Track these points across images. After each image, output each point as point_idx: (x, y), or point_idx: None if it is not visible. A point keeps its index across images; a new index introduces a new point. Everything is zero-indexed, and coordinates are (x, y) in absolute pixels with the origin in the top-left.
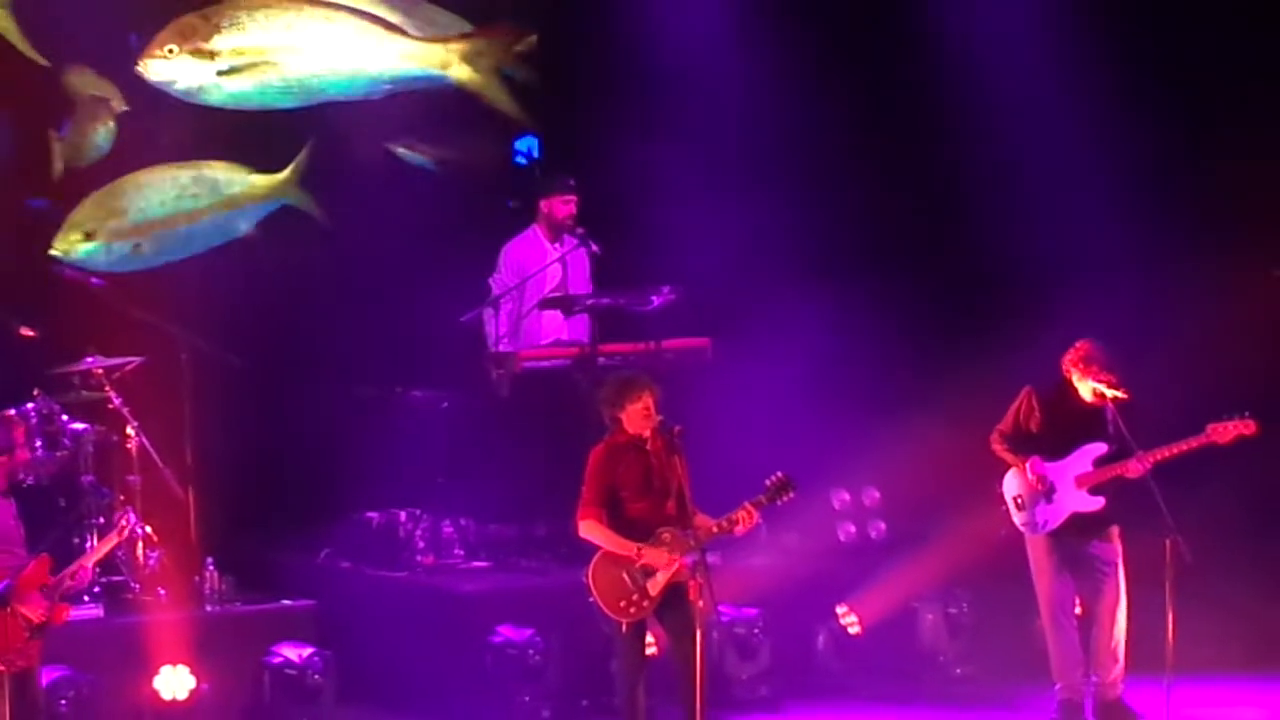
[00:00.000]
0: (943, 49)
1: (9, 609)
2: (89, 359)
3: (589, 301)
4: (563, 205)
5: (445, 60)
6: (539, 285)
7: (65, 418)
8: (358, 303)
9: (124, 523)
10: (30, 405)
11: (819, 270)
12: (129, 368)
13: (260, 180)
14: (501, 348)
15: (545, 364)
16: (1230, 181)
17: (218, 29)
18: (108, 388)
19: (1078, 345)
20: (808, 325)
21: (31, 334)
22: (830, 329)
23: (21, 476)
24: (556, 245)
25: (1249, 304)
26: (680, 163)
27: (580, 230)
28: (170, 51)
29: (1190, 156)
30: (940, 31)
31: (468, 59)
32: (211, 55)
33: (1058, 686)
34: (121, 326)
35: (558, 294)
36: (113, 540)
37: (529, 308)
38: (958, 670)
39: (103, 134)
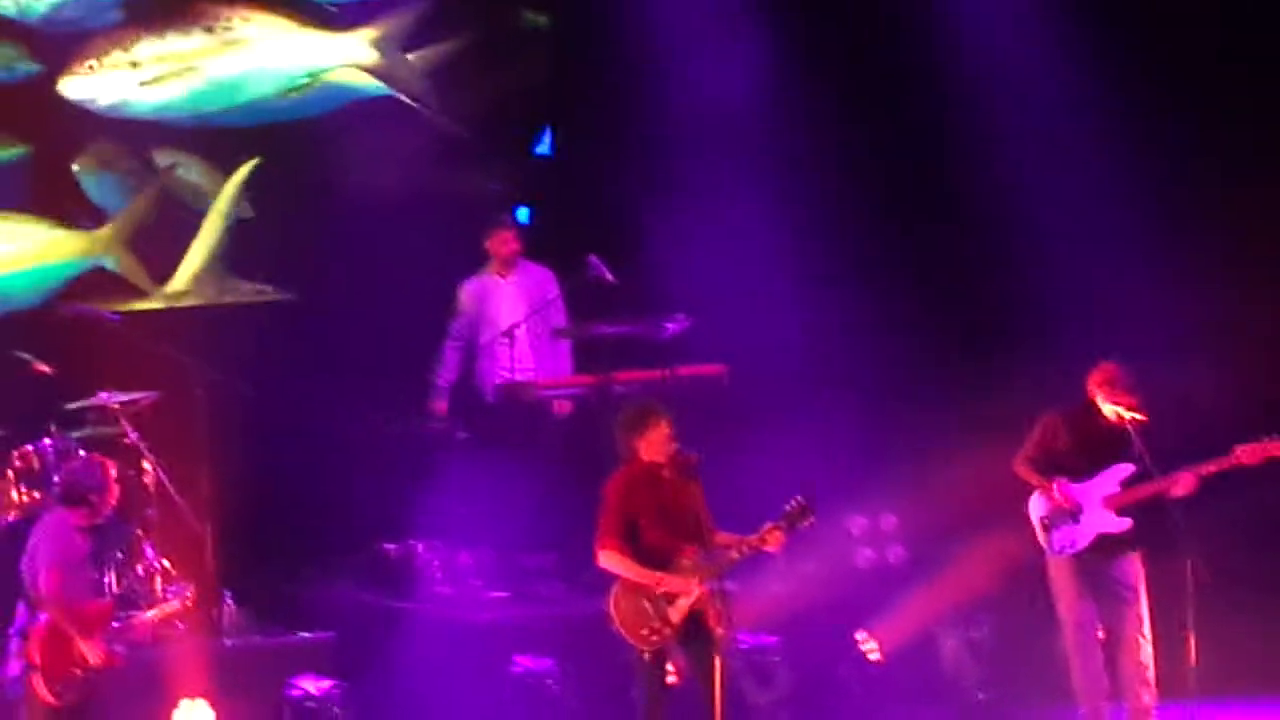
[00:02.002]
0: (952, 61)
1: (69, 645)
2: (102, 394)
3: (605, 329)
4: (502, 244)
5: (354, 48)
6: (492, 321)
7: (81, 453)
8: (371, 334)
9: (186, 595)
10: (47, 441)
11: (833, 293)
12: (144, 402)
13: (71, 238)
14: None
15: (561, 393)
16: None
17: (137, 38)
18: (123, 422)
19: (1102, 366)
20: (822, 350)
21: (46, 370)
22: (845, 352)
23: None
24: (510, 279)
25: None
26: (685, 181)
27: (591, 258)
28: (90, 68)
29: (1207, 171)
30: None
31: (375, 45)
32: (133, 65)
33: (1081, 710)
34: (136, 361)
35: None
36: (174, 608)
37: (485, 342)
38: (980, 695)
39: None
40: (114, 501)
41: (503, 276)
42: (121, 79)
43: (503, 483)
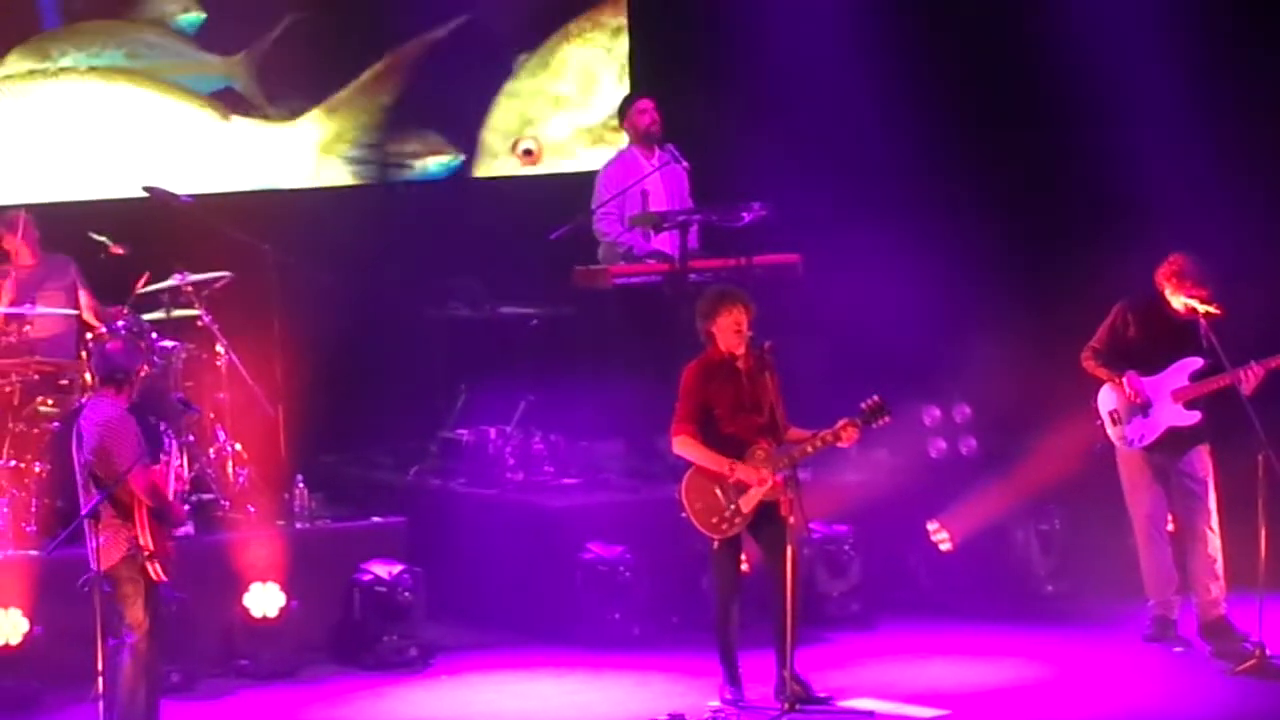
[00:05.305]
0: None
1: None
2: (178, 274)
3: (679, 218)
4: (640, 115)
5: None
6: (636, 200)
7: (155, 335)
8: (446, 218)
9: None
10: (120, 323)
11: (911, 186)
12: (218, 285)
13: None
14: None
15: (637, 279)
16: None
17: None
18: (197, 304)
19: (1171, 259)
20: (899, 241)
21: (121, 251)
22: (922, 245)
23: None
24: (653, 160)
25: None
26: (775, 77)
27: (670, 146)
28: None
29: None
30: None
31: None
32: None
33: (1150, 603)
34: (211, 244)
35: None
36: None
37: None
38: (1049, 587)
39: None
40: (145, 373)
41: (645, 154)
42: None
43: (578, 369)
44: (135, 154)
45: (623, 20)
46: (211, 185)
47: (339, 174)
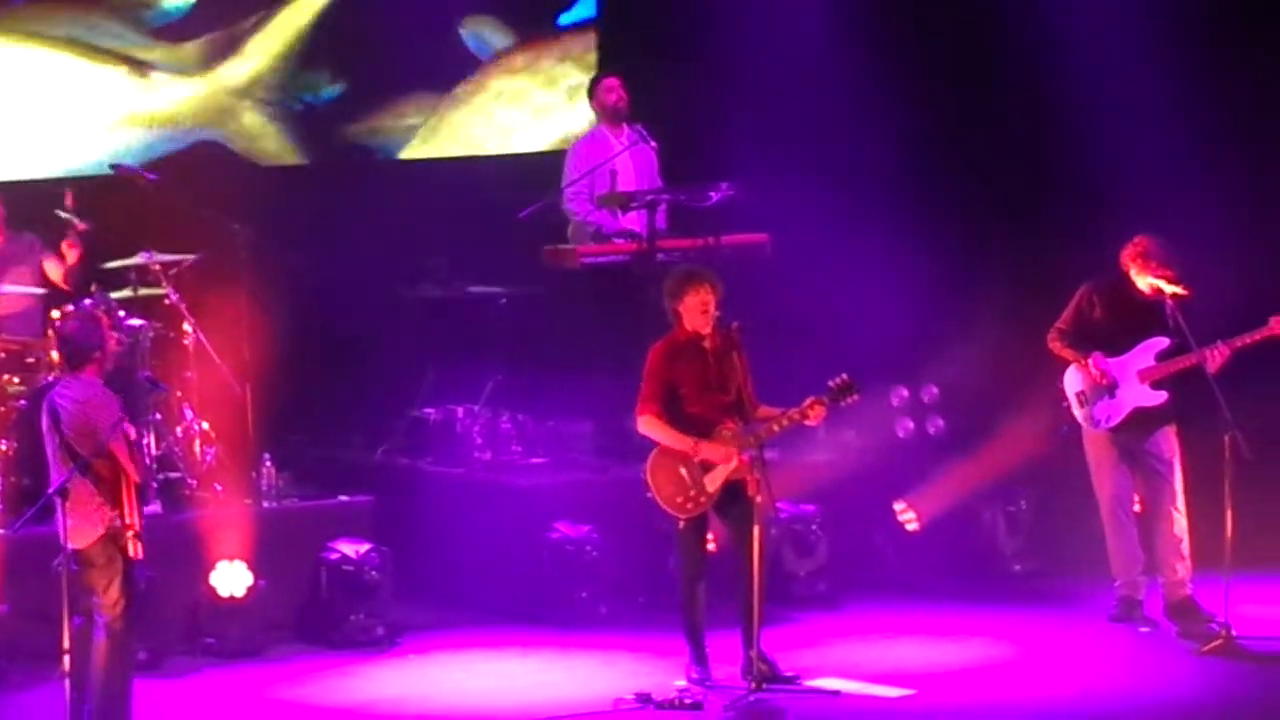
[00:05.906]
0: None
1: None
2: (144, 253)
3: (647, 197)
4: (607, 93)
5: None
6: (605, 179)
7: (122, 313)
8: (416, 198)
9: None
10: (87, 300)
11: (881, 167)
12: (186, 263)
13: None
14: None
15: (605, 259)
16: None
17: None
18: (164, 283)
19: (1136, 240)
20: (868, 222)
21: (84, 228)
22: (891, 226)
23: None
24: (621, 138)
25: None
26: (744, 56)
27: (638, 125)
28: None
29: (1251, 49)
30: None
31: None
32: None
33: (1117, 583)
34: (179, 222)
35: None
36: None
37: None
38: (1016, 567)
39: None
40: (115, 348)
41: (613, 132)
42: None
43: (545, 348)
44: (55, 121)
45: (519, 83)
46: (137, 142)
47: (256, 119)
